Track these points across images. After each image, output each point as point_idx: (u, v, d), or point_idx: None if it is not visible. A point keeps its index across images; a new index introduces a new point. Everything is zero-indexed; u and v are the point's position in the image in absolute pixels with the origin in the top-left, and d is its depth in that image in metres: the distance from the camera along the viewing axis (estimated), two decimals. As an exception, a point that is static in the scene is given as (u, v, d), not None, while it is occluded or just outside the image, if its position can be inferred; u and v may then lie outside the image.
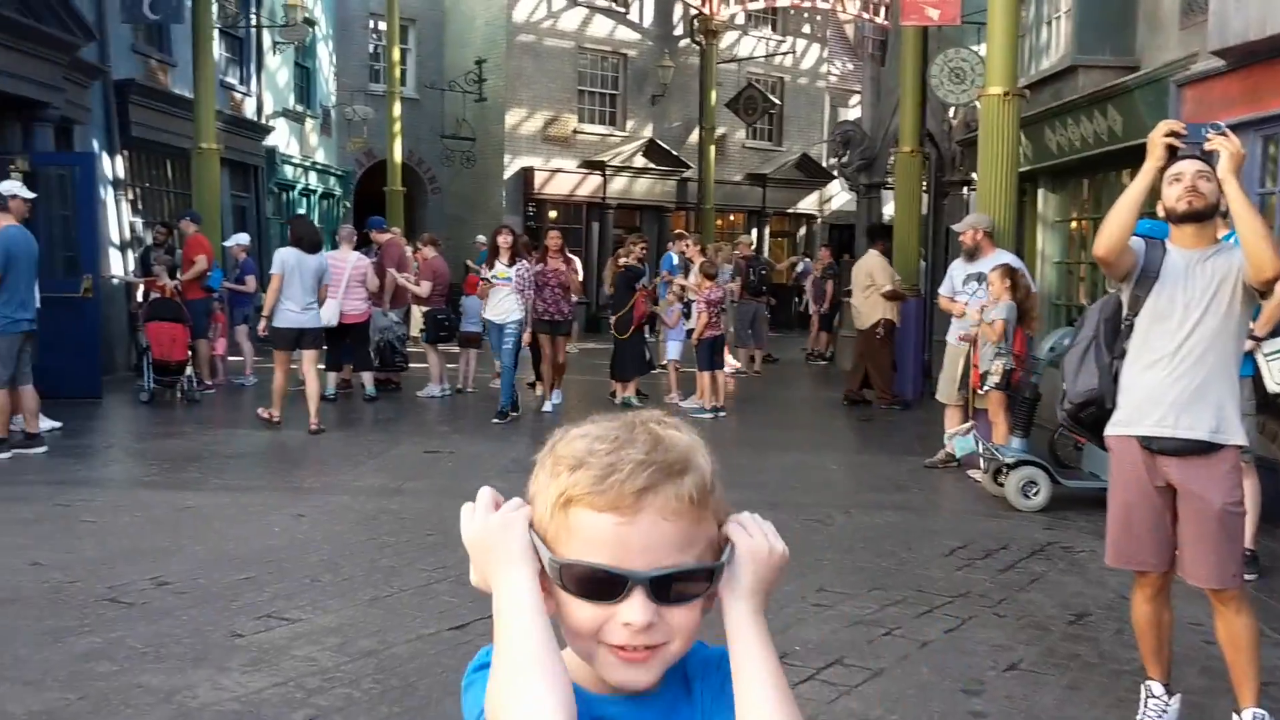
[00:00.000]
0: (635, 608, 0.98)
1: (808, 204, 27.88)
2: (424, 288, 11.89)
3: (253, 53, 18.23)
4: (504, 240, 10.58)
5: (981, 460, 7.62)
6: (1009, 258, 8.44)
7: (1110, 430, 3.67)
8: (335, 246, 11.82)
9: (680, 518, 1.00)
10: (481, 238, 17.80)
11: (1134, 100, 9.16)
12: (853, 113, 27.93)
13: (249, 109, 18.17)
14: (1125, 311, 3.66)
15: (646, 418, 1.07)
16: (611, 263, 11.84)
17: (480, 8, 24.06)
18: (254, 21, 18.04)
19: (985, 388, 7.78)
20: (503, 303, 10.44)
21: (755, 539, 1.06)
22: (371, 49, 23.76)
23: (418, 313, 12.84)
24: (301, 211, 19.69)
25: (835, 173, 25.60)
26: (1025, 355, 7.65)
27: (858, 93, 28.78)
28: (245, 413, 10.77)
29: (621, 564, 0.98)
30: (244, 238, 13.44)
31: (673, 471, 1.01)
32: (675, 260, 14.43)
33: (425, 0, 24.35)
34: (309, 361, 9.80)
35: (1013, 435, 7.51)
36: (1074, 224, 11.53)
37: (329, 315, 11.13)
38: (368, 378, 11.75)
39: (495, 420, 10.20)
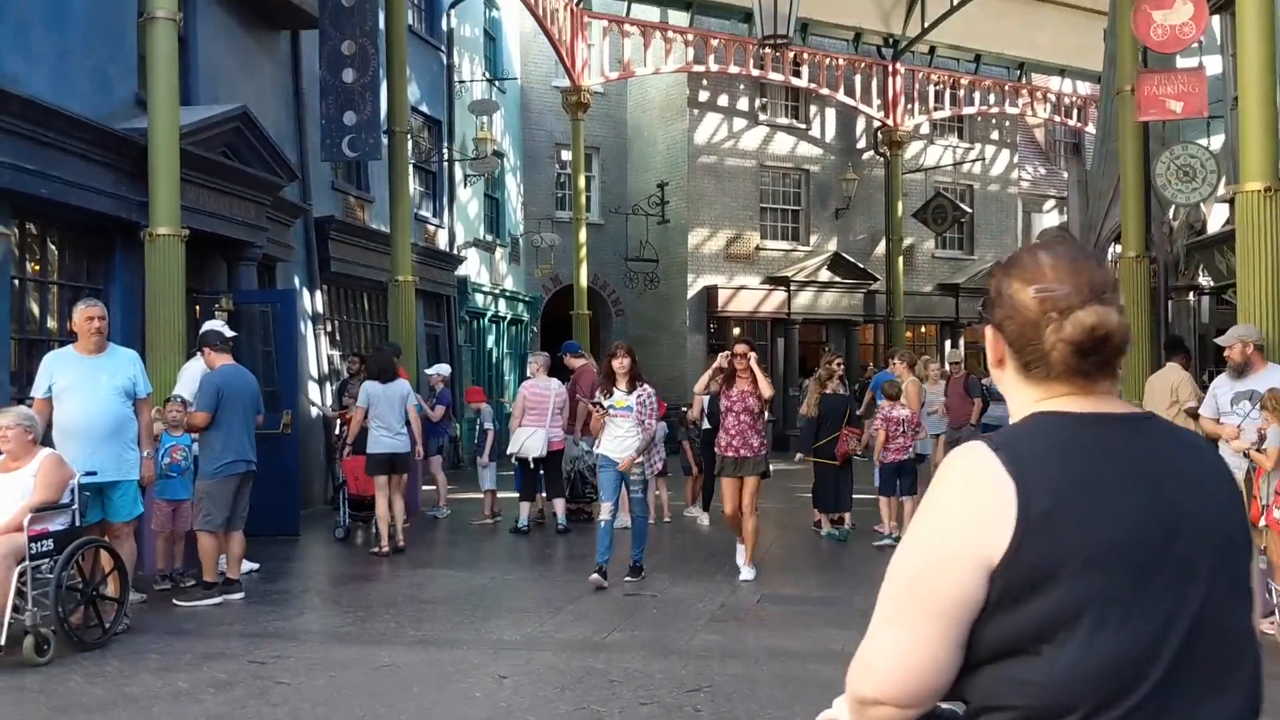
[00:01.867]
0: None
1: (1004, 314, 26.55)
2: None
3: (445, 186, 18.65)
4: (620, 364, 8.59)
5: (1277, 611, 6.51)
6: (1285, 374, 7.40)
7: None
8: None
9: None
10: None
11: None
12: (1048, 218, 26.75)
13: (442, 240, 18.52)
14: None
15: None
16: (815, 386, 11.07)
17: (662, 132, 24.25)
18: (446, 156, 18.49)
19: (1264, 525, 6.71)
20: (624, 438, 8.57)
21: None
22: (557, 177, 24.14)
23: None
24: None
25: (1035, 280, 24.34)
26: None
27: (1051, 197, 27.63)
28: (439, 551, 10.52)
29: None
30: (445, 369, 13.38)
31: None
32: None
33: (608, 129, 24.71)
34: (396, 488, 9.95)
35: (1312, 582, 6.39)
36: (1338, 330, 10.24)
37: (539, 446, 10.84)
38: (559, 506, 11.32)
39: (594, 577, 8.39)
